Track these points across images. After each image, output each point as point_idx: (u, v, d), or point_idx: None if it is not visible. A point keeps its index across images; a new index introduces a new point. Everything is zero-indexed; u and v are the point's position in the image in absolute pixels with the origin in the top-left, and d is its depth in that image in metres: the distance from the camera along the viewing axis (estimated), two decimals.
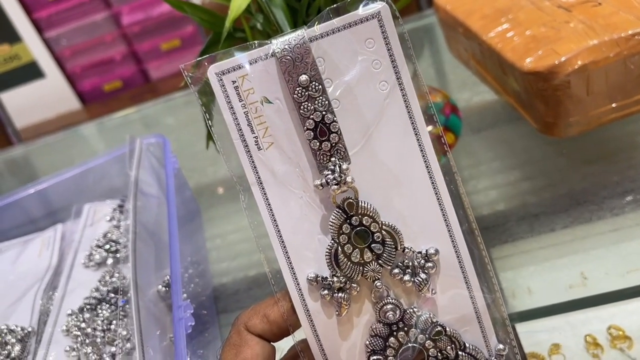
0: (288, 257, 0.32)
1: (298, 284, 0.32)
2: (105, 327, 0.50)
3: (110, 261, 0.58)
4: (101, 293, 0.54)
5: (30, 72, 2.38)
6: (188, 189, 0.73)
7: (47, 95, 2.41)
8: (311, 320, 0.32)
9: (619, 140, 0.58)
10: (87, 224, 0.66)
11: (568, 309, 0.47)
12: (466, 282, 0.32)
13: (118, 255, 0.58)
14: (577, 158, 0.59)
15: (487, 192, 0.61)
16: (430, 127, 0.65)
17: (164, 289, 0.50)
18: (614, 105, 0.56)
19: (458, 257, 0.32)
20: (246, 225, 0.33)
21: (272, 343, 0.33)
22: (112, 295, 0.53)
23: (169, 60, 2.35)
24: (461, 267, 0.32)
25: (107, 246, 0.60)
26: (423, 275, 0.31)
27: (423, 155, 0.31)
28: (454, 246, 0.32)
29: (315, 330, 0.32)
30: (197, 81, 0.33)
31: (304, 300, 0.32)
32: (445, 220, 0.32)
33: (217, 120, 0.33)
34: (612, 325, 0.52)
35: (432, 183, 0.32)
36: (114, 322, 0.49)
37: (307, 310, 0.32)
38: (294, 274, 0.32)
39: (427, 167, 0.31)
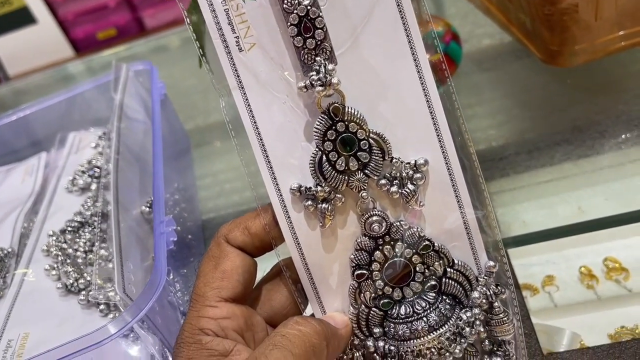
0: (270, 166, 0.30)
1: (281, 195, 0.30)
2: (87, 249, 0.49)
3: (94, 186, 0.56)
4: (84, 217, 0.53)
5: (22, 17, 2.32)
6: (177, 121, 0.71)
7: (38, 42, 2.36)
8: (294, 232, 0.30)
9: (625, 70, 0.56)
10: (72, 152, 0.64)
11: (563, 234, 0.46)
12: (456, 196, 0.30)
13: (103, 181, 0.56)
14: (582, 88, 0.56)
15: (486, 123, 0.59)
16: (429, 55, 0.63)
17: (147, 209, 0.48)
18: (622, 32, 0.53)
19: (449, 169, 0.30)
20: (238, 164, 0.31)
21: (254, 258, 0.31)
22: (95, 218, 0.52)
23: (164, 8, 2.29)
24: (452, 180, 0.30)
25: (91, 172, 0.58)
26: (411, 187, 0.29)
27: (415, 60, 0.29)
28: (445, 158, 0.30)
29: (298, 243, 0.31)
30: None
31: (286, 211, 0.30)
32: (437, 130, 0.29)
33: (209, 48, 0.31)
34: (608, 257, 0.51)
35: (424, 90, 0.29)
36: (97, 244, 0.48)
37: (290, 222, 0.30)
38: (277, 184, 0.30)
39: (418, 72, 0.29)
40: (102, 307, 0.42)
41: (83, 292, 0.44)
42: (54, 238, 0.50)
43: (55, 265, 0.47)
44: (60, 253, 0.48)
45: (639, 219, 0.43)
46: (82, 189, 0.57)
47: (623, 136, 0.52)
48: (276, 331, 0.28)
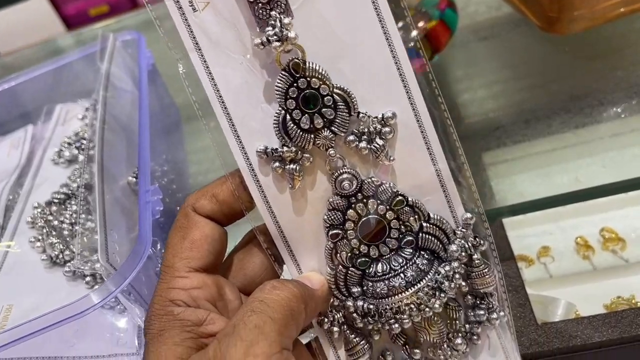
0: (235, 130, 0.29)
1: (248, 158, 0.29)
2: (73, 221, 0.48)
3: (81, 158, 0.55)
4: (70, 189, 0.51)
5: None
6: (167, 94, 0.70)
7: (30, 19, 2.32)
8: (264, 196, 0.29)
9: (624, 38, 0.54)
10: (59, 123, 0.62)
11: (559, 203, 0.45)
12: (428, 148, 0.29)
13: (90, 152, 0.55)
14: (580, 56, 0.55)
15: (483, 94, 0.58)
16: (422, 23, 0.61)
17: (134, 180, 0.47)
18: None
19: (418, 121, 0.28)
20: None
21: (224, 227, 0.31)
22: (83, 190, 0.50)
23: None
24: (422, 132, 0.29)
25: (78, 144, 0.56)
26: (380, 142, 0.28)
27: (376, 9, 0.27)
28: (414, 110, 0.28)
29: (269, 207, 0.29)
30: None
31: (254, 175, 0.29)
32: (403, 82, 0.28)
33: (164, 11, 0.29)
34: (605, 227, 0.50)
35: (387, 41, 0.27)
36: (83, 215, 0.46)
37: (260, 186, 0.29)
38: (243, 147, 0.29)
39: (380, 22, 0.27)
40: (88, 279, 0.41)
41: (69, 264, 0.43)
42: (39, 210, 0.49)
43: (40, 237, 0.46)
44: (45, 225, 0.47)
45: (637, 186, 0.42)
46: (68, 161, 0.56)
47: (623, 104, 0.51)
48: (253, 296, 0.27)
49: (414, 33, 0.51)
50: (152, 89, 0.58)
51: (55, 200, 0.50)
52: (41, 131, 0.63)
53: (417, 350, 0.31)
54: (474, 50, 0.62)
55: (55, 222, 0.47)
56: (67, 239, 0.47)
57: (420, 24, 0.58)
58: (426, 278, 0.29)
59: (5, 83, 0.65)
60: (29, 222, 0.48)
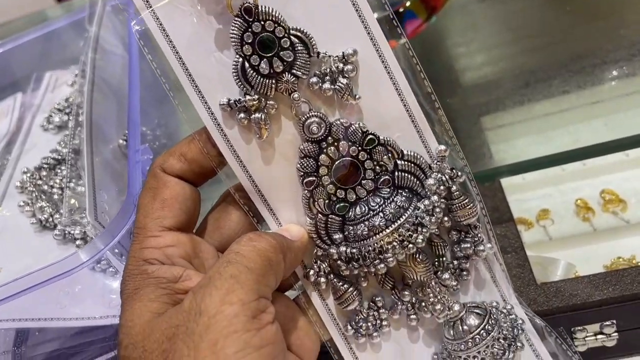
0: (195, 85, 0.28)
1: (212, 113, 0.28)
2: (63, 186, 0.47)
3: (71, 124, 0.54)
4: (60, 154, 0.50)
5: None
6: (161, 62, 0.68)
7: None
8: (233, 150, 0.28)
9: None
10: (48, 90, 0.61)
11: (559, 162, 0.44)
12: (393, 83, 0.28)
13: (80, 118, 0.54)
14: (581, 15, 0.54)
15: (482, 55, 0.57)
16: None
17: (124, 142, 0.46)
18: None
19: (380, 56, 0.28)
20: None
21: (196, 188, 0.30)
22: (72, 156, 0.49)
23: None
24: (385, 68, 0.28)
25: (68, 110, 0.55)
26: (344, 80, 0.27)
27: None
28: (374, 45, 0.28)
29: (240, 161, 0.29)
30: None
31: (221, 129, 0.28)
32: (361, 18, 0.27)
33: None
34: (606, 189, 0.49)
35: None
36: (74, 180, 0.45)
37: (227, 140, 0.28)
38: (205, 102, 0.28)
39: None
40: (78, 242, 0.40)
41: (59, 227, 0.42)
42: (29, 175, 0.47)
43: (30, 202, 0.45)
44: (35, 189, 0.46)
45: (638, 144, 0.41)
46: (58, 127, 0.54)
47: (626, 63, 0.49)
48: (230, 249, 0.26)
49: None
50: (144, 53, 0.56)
51: (45, 166, 0.49)
52: (30, 99, 0.61)
53: (406, 292, 0.31)
54: (473, 12, 0.61)
55: (45, 187, 0.46)
56: (57, 203, 0.46)
57: None
58: (406, 214, 0.29)
59: None
60: (18, 187, 0.47)
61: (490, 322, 0.30)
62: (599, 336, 0.39)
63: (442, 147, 0.29)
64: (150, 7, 0.27)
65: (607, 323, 0.38)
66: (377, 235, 0.28)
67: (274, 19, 0.26)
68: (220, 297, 0.23)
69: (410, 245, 0.28)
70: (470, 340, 0.30)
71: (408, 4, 0.54)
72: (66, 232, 0.41)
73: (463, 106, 0.56)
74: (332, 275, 0.30)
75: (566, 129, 0.51)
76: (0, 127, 0.59)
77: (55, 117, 0.54)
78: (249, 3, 0.26)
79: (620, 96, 0.50)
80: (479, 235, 0.30)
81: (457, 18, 0.60)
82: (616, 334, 0.39)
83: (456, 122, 0.53)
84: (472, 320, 0.30)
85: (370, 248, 0.29)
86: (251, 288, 0.24)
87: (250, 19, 0.26)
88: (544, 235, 0.49)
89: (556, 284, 0.39)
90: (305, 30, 0.27)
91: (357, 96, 0.28)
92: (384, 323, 0.31)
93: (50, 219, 0.43)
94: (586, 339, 0.39)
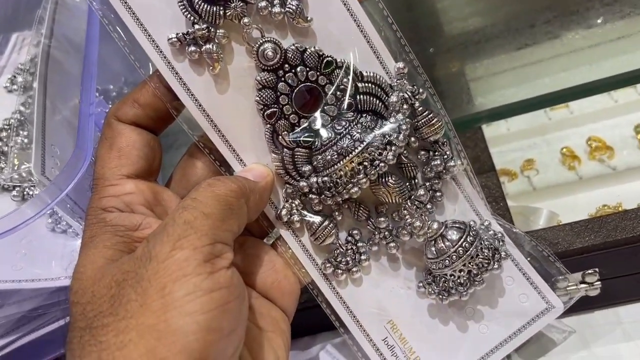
0: (138, 20, 0.26)
1: (161, 51, 0.27)
2: (25, 147, 0.45)
3: (35, 85, 0.51)
4: (23, 115, 0.48)
5: None
6: None
7: None
8: (187, 88, 0.27)
9: None
10: (14, 51, 0.58)
11: (541, 105, 0.41)
12: (343, 2, 0.27)
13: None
14: None
15: (466, 9, 0.54)
16: None
17: None
18: None
19: None
20: None
21: (154, 134, 0.29)
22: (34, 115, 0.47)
23: None
24: None
25: (33, 69, 0.53)
26: (294, 2, 0.26)
27: None
28: None
29: (194, 97, 0.27)
30: None
31: (171, 66, 0.27)
32: None
33: None
34: (592, 137, 0.47)
35: None
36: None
37: (180, 78, 0.27)
38: (152, 39, 0.27)
39: None
40: (34, 196, 0.39)
41: (17, 189, 0.40)
42: None
43: None
44: None
45: (623, 83, 0.39)
46: (23, 88, 0.52)
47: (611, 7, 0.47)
48: (187, 196, 0.25)
49: None
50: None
51: (6, 127, 0.47)
52: None
53: (382, 219, 0.30)
54: None
55: (5, 148, 0.45)
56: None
57: None
58: (373, 133, 0.28)
59: None
60: None
61: (471, 233, 0.30)
62: (582, 285, 0.37)
63: (401, 64, 0.28)
64: None
65: (590, 271, 0.37)
66: (347, 158, 0.27)
67: None
68: (172, 243, 0.23)
69: (382, 164, 0.27)
70: (454, 254, 0.29)
71: None
72: (24, 192, 0.39)
73: (445, 54, 0.53)
74: (305, 212, 0.29)
75: (551, 76, 0.48)
76: None
77: (19, 77, 0.52)
78: None
79: (607, 41, 0.48)
80: (448, 152, 0.29)
81: None
82: (599, 282, 0.37)
83: (438, 71, 0.50)
84: (453, 235, 0.30)
85: (341, 173, 0.28)
86: (205, 233, 0.23)
87: None
88: (528, 185, 0.47)
89: (536, 232, 0.37)
90: None
91: (308, 18, 0.27)
92: (363, 257, 0.30)
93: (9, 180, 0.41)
94: (568, 289, 0.37)
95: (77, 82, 0.47)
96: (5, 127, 0.47)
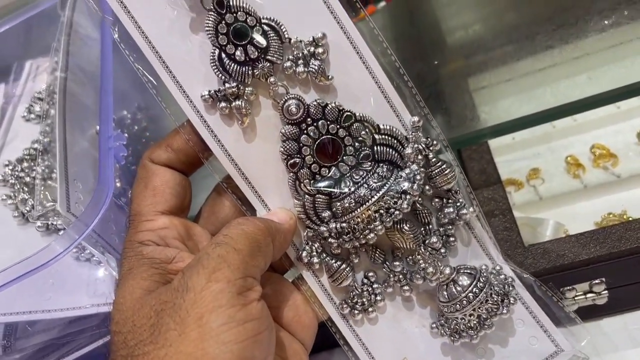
0: (173, 76, 0.29)
1: (192, 104, 0.30)
2: (46, 176, 0.47)
3: (52, 112, 0.53)
4: (42, 144, 0.50)
5: None
6: None
7: None
8: (217, 139, 0.30)
9: None
10: (29, 79, 0.60)
11: (545, 119, 0.43)
12: (363, 62, 0.30)
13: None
14: None
15: (465, 14, 0.55)
16: None
17: None
18: None
19: (348, 38, 0.29)
20: None
21: (185, 176, 0.32)
22: (54, 145, 0.49)
23: None
24: (354, 48, 0.30)
25: (49, 98, 0.54)
26: (316, 62, 0.29)
27: None
28: (341, 27, 0.29)
29: (225, 149, 0.30)
30: None
31: (203, 119, 0.30)
32: (326, 3, 0.29)
33: None
34: (596, 144, 0.48)
35: None
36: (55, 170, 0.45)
37: (210, 129, 0.30)
38: (186, 94, 0.30)
39: None
40: (62, 232, 0.40)
41: (42, 219, 0.42)
42: (10, 167, 0.47)
43: (13, 194, 0.45)
44: (17, 182, 0.46)
45: (624, 96, 0.40)
46: (40, 117, 0.54)
47: (613, 14, 0.47)
48: (219, 233, 0.27)
49: None
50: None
51: (27, 157, 0.48)
52: (12, 89, 0.61)
53: (397, 263, 0.32)
54: None
55: (28, 179, 0.46)
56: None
57: None
58: (389, 182, 0.29)
59: None
60: (0, 180, 0.47)
61: (481, 279, 0.31)
62: (589, 295, 0.38)
63: (416, 118, 0.30)
64: (126, 7, 0.29)
65: (597, 281, 0.38)
66: (364, 206, 0.29)
67: (245, 9, 0.28)
68: (207, 275, 0.24)
69: (397, 212, 0.29)
70: (464, 298, 0.31)
71: None
72: (49, 223, 0.41)
73: (449, 68, 0.54)
74: (324, 255, 0.31)
75: (551, 86, 0.49)
76: None
77: (36, 106, 0.54)
78: None
79: (605, 49, 0.49)
80: (461, 200, 0.31)
81: None
82: (606, 291, 0.38)
83: (442, 85, 0.51)
84: (464, 280, 0.31)
85: (358, 219, 0.29)
86: (237, 267, 0.25)
87: (223, 11, 0.28)
88: (534, 195, 0.48)
89: (543, 245, 0.38)
90: (275, 19, 0.28)
91: (329, 76, 0.29)
92: (378, 298, 0.32)
93: (33, 211, 0.43)
94: (576, 298, 0.39)
95: (93, 112, 0.48)
96: (26, 157, 0.49)
